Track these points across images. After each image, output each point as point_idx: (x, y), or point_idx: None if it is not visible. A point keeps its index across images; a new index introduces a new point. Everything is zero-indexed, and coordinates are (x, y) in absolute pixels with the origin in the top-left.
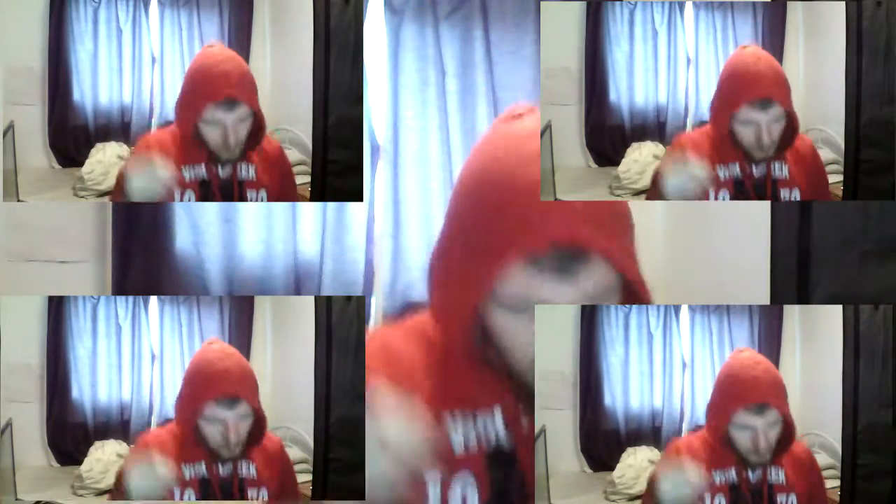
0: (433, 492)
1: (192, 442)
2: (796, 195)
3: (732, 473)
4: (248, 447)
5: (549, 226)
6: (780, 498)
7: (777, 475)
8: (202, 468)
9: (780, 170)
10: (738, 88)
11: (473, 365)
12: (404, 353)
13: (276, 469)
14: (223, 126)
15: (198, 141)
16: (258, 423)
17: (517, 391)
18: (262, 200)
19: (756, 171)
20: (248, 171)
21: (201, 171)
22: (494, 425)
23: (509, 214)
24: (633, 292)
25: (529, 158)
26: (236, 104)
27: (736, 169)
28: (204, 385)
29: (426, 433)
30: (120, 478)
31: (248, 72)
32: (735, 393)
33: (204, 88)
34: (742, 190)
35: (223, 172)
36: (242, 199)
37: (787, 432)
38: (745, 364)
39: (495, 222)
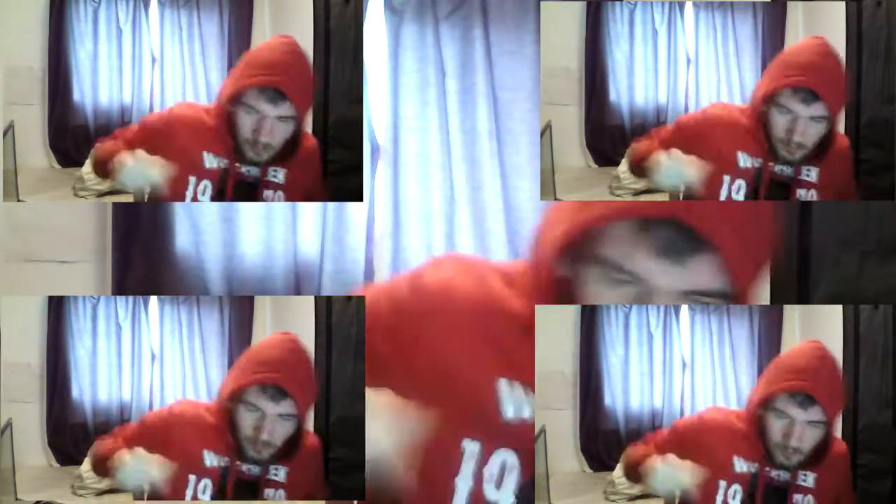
0: (467, 466)
1: (222, 425)
2: (813, 195)
3: (755, 467)
4: (280, 458)
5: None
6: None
7: (806, 479)
8: (225, 461)
9: (808, 174)
10: (784, 68)
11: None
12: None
13: (307, 476)
14: (259, 117)
15: (228, 126)
16: (297, 434)
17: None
18: (279, 200)
19: (782, 171)
20: (277, 175)
21: (224, 162)
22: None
23: None
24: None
25: None
26: (280, 98)
27: (759, 163)
28: (253, 364)
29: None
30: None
31: (310, 77)
32: (784, 372)
33: (252, 68)
34: (757, 188)
35: (249, 172)
36: (259, 197)
37: (826, 441)
38: (809, 352)
39: None
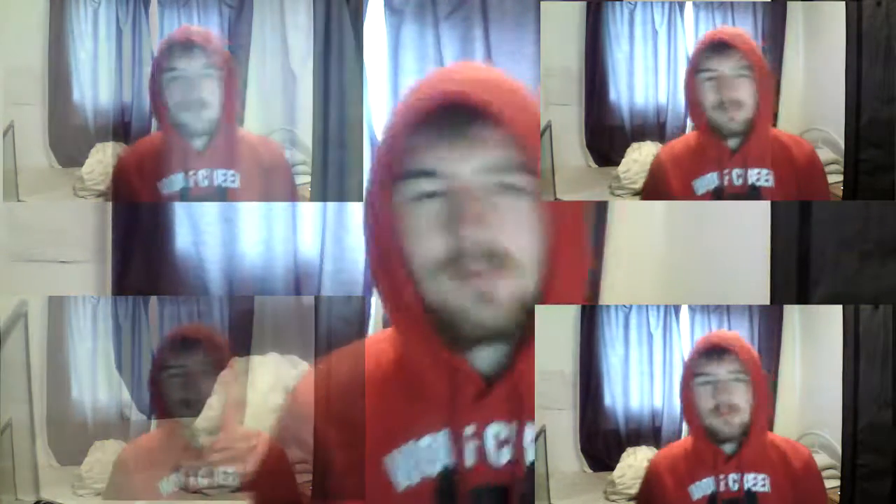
0: None
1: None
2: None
3: (710, 483)
4: None
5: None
6: None
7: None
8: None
9: (765, 179)
10: (699, 47)
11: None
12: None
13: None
14: (185, 77)
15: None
16: None
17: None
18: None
19: (736, 179)
20: (230, 179)
21: (178, 180)
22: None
23: None
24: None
25: None
26: (195, 48)
27: (714, 179)
28: None
29: None
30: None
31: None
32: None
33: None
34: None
35: (203, 179)
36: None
37: (760, 394)
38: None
39: None
